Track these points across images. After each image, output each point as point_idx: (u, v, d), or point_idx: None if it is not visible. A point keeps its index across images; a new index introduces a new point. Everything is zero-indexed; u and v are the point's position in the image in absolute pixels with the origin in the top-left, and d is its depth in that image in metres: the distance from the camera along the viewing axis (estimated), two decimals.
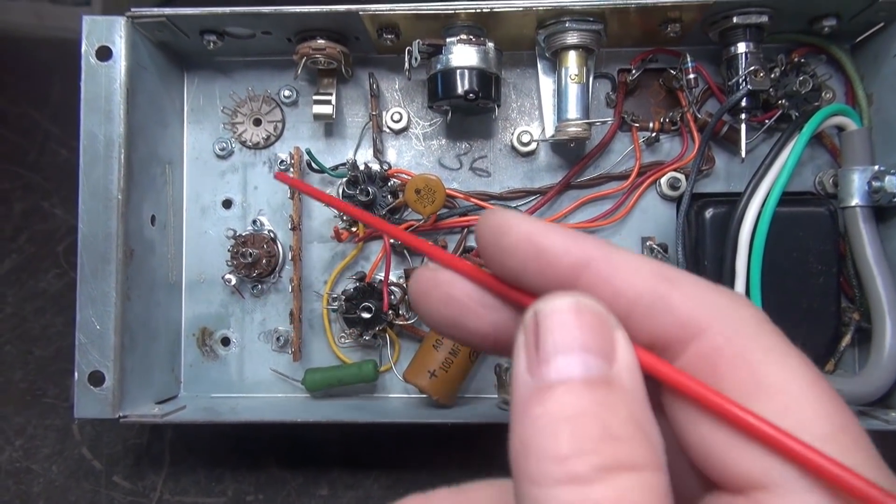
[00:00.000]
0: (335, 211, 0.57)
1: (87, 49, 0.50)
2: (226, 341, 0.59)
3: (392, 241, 0.56)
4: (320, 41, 0.53)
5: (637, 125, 0.56)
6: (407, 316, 0.56)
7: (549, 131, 0.56)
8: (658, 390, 0.21)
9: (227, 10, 0.50)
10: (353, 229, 0.56)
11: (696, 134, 0.55)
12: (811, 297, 0.52)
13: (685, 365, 0.20)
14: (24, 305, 0.65)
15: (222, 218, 0.59)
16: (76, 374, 0.49)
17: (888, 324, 0.49)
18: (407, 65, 0.52)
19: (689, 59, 0.54)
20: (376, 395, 0.58)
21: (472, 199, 0.56)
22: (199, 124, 0.59)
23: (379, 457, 0.59)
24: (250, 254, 0.56)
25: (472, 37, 0.52)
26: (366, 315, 0.54)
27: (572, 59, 0.52)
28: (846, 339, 0.53)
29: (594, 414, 0.18)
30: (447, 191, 0.55)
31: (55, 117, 0.71)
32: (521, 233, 0.21)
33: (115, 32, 0.50)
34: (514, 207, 0.57)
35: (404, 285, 0.57)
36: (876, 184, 0.51)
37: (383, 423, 0.53)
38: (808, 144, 0.52)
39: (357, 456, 0.59)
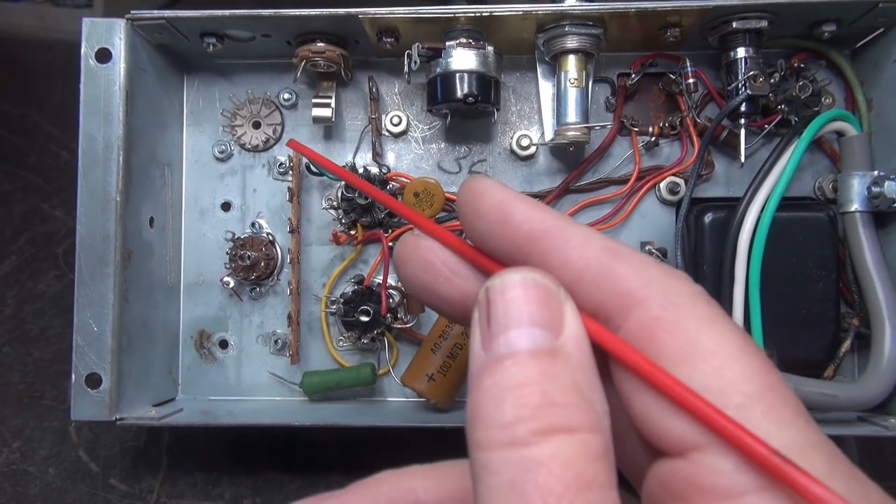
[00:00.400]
0: (334, 214, 0.57)
1: (87, 51, 0.50)
2: (224, 344, 0.59)
3: (390, 244, 0.56)
4: (320, 44, 0.53)
5: (636, 129, 0.56)
6: (405, 319, 0.56)
7: (549, 135, 0.56)
8: (608, 361, 0.22)
9: (227, 12, 0.50)
10: (352, 232, 0.56)
11: (695, 138, 0.55)
12: (810, 303, 0.52)
13: (627, 334, 0.21)
14: (24, 307, 0.65)
15: (221, 220, 0.59)
16: (73, 376, 0.49)
17: (887, 329, 0.49)
18: (406, 68, 0.52)
19: (688, 64, 0.54)
20: (374, 399, 0.58)
21: None
22: (199, 127, 0.59)
23: (377, 460, 0.58)
24: (249, 256, 0.56)
25: (471, 40, 0.52)
26: (364, 318, 0.54)
27: (572, 63, 0.52)
28: (845, 345, 0.53)
29: (536, 383, 0.19)
30: (446, 194, 0.55)
31: (56, 119, 0.71)
32: (493, 198, 0.23)
33: (115, 35, 0.50)
34: None
35: (403, 289, 0.56)
36: (875, 189, 0.50)
37: (381, 427, 0.53)
38: (807, 149, 0.52)
39: (355, 459, 0.59)
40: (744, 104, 0.52)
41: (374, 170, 0.56)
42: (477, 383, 0.20)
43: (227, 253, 0.57)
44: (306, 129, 0.59)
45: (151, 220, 0.54)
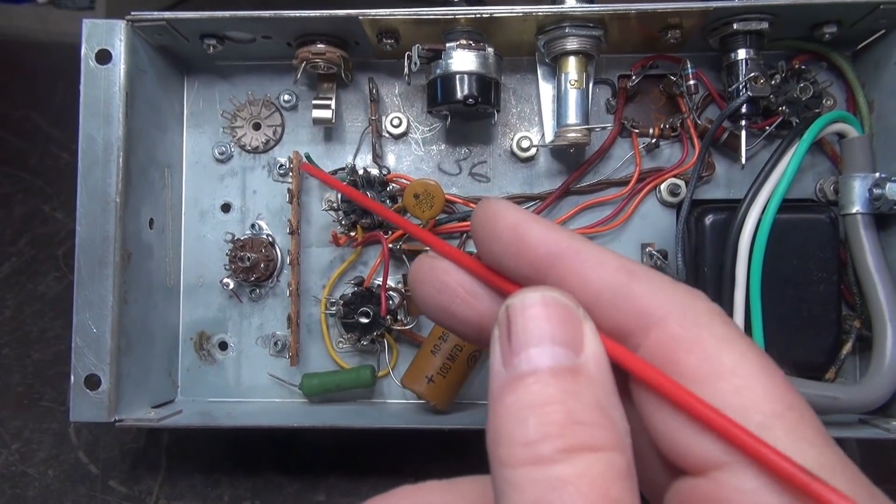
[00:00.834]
0: (334, 215, 0.57)
1: (87, 52, 0.50)
2: (223, 345, 0.58)
3: (390, 245, 0.55)
4: (320, 46, 0.53)
5: (637, 131, 0.56)
6: (405, 321, 0.56)
7: (549, 137, 0.56)
8: (627, 380, 0.22)
9: (228, 14, 0.50)
10: (352, 234, 0.56)
11: (696, 140, 0.55)
12: (812, 305, 0.51)
13: (646, 353, 0.21)
14: (23, 309, 0.65)
15: (221, 222, 0.59)
16: (72, 377, 0.49)
17: (889, 332, 0.49)
18: (406, 69, 0.52)
19: (689, 66, 0.54)
20: (374, 401, 0.58)
21: (471, 205, 0.56)
22: (199, 128, 0.59)
23: (376, 462, 0.58)
24: (248, 258, 0.56)
25: (471, 42, 0.52)
26: (364, 320, 0.54)
27: (572, 64, 0.52)
28: (847, 347, 0.53)
29: (560, 401, 0.19)
30: (446, 196, 0.55)
31: (57, 121, 0.71)
32: (507, 220, 0.23)
33: (115, 36, 0.50)
34: None
35: (402, 290, 0.56)
36: (877, 191, 0.50)
37: (381, 429, 0.53)
38: (808, 151, 0.52)
39: (354, 461, 0.58)
40: (745, 106, 0.52)
41: (375, 171, 0.56)
42: (499, 400, 0.20)
43: (226, 254, 0.57)
44: (306, 131, 0.59)
45: (151, 222, 0.54)
